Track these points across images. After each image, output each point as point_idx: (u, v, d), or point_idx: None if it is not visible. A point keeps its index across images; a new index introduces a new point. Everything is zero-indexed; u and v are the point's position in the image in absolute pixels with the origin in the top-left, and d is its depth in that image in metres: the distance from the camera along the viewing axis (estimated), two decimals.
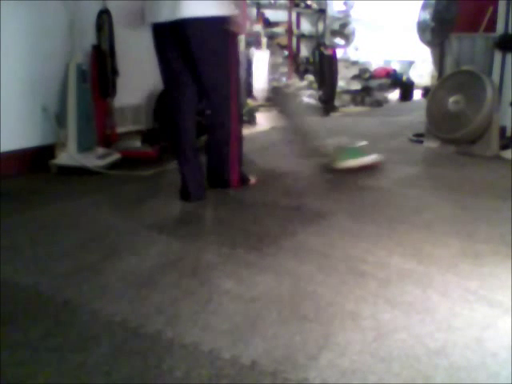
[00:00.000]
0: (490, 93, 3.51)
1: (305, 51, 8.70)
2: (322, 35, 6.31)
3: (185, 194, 2.59)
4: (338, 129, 5.16)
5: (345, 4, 6.40)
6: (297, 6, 8.15)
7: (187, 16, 2.37)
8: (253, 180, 2.88)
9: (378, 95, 7.45)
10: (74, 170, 3.04)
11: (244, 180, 2.81)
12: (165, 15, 2.40)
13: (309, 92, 6.42)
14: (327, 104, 6.22)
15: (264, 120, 5.35)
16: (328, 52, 6.25)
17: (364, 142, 3.56)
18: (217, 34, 2.47)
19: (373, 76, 7.89)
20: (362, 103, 7.24)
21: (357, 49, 8.12)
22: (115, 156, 3.25)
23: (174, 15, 2.37)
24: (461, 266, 1.78)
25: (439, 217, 2.33)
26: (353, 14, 6.56)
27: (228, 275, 1.70)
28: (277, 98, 3.62)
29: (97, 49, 3.32)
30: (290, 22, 8.05)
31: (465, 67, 3.81)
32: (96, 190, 2.77)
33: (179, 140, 2.61)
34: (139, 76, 3.57)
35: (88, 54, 3.30)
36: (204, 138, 4.04)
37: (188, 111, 2.60)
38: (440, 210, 2.44)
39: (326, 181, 3.01)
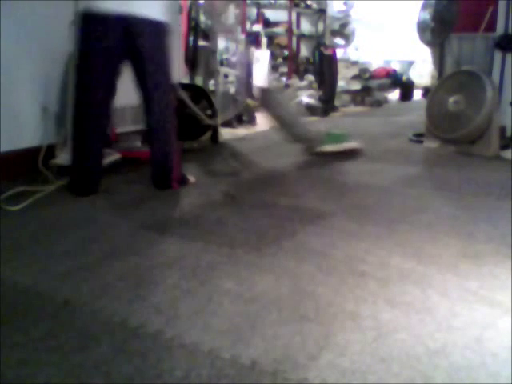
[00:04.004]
0: (490, 93, 3.52)
1: (305, 51, 8.71)
2: (322, 35, 6.31)
3: (81, 188, 2.64)
4: (337, 129, 5.16)
5: (345, 4, 6.39)
6: (297, 5, 8.16)
7: (141, 14, 2.43)
8: (192, 179, 2.91)
9: (378, 95, 7.46)
10: None
11: (184, 180, 2.84)
12: (113, 5, 2.40)
13: (309, 92, 6.43)
14: (327, 104, 6.22)
15: (264, 120, 5.34)
16: (328, 52, 6.25)
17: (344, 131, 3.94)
18: (164, 37, 2.58)
19: (373, 76, 7.90)
20: (362, 103, 7.25)
21: (357, 49, 8.12)
22: (115, 156, 3.25)
23: (126, 8, 2.40)
24: (461, 266, 1.78)
25: (439, 217, 2.33)
26: (353, 14, 6.55)
27: (228, 275, 1.70)
28: (261, 94, 3.95)
29: None
30: (290, 22, 8.06)
31: (465, 67, 3.81)
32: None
33: (91, 135, 2.62)
34: None
35: None
36: (204, 138, 4.07)
37: (105, 109, 2.62)
38: (440, 210, 2.44)
39: (325, 181, 3.01)
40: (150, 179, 2.77)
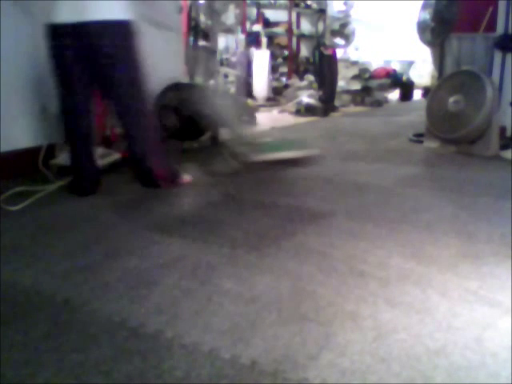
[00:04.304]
0: (490, 93, 3.51)
1: (305, 51, 8.71)
2: (322, 35, 6.30)
3: (80, 189, 2.66)
4: (337, 129, 5.17)
5: (345, 4, 6.39)
6: (297, 5, 8.17)
7: (96, 19, 2.39)
8: (188, 178, 2.90)
9: (378, 95, 7.46)
10: None
11: (175, 178, 2.82)
12: (68, 15, 2.40)
13: (309, 92, 6.43)
14: (327, 104, 6.21)
15: (264, 120, 5.34)
16: (328, 52, 6.25)
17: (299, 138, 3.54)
18: (129, 36, 2.51)
19: (373, 76, 7.89)
20: (362, 103, 7.25)
21: (357, 49, 8.12)
22: (115, 156, 3.25)
23: (80, 16, 2.38)
24: (461, 266, 1.78)
25: (439, 217, 2.33)
26: (353, 14, 6.55)
27: (228, 275, 1.70)
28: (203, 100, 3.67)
29: None
30: (290, 22, 8.07)
31: (465, 67, 3.81)
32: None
33: (77, 138, 2.66)
34: None
35: None
36: (204, 138, 4.07)
37: (85, 112, 2.63)
38: (440, 210, 2.43)
39: (325, 181, 3.01)
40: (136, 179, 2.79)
